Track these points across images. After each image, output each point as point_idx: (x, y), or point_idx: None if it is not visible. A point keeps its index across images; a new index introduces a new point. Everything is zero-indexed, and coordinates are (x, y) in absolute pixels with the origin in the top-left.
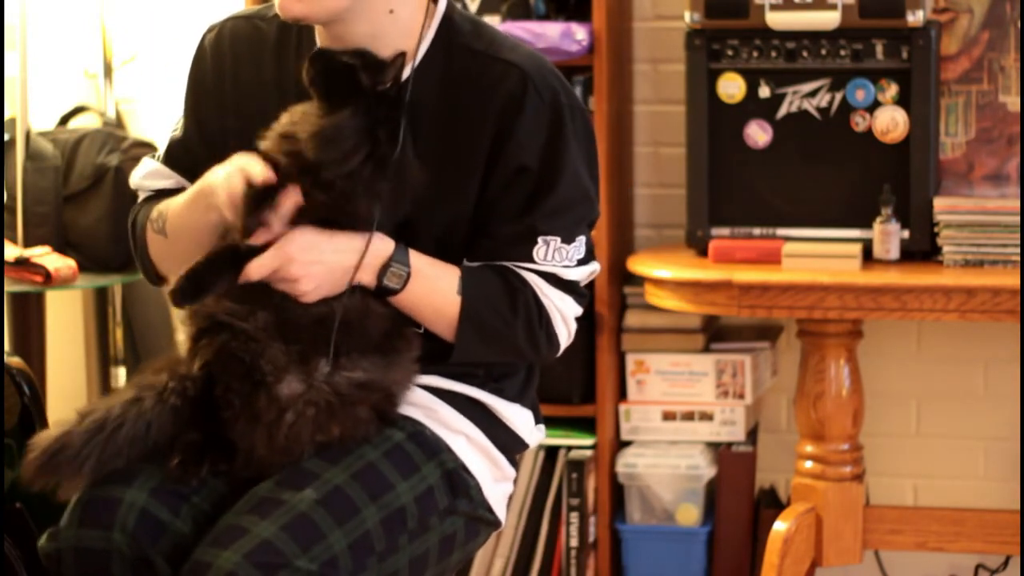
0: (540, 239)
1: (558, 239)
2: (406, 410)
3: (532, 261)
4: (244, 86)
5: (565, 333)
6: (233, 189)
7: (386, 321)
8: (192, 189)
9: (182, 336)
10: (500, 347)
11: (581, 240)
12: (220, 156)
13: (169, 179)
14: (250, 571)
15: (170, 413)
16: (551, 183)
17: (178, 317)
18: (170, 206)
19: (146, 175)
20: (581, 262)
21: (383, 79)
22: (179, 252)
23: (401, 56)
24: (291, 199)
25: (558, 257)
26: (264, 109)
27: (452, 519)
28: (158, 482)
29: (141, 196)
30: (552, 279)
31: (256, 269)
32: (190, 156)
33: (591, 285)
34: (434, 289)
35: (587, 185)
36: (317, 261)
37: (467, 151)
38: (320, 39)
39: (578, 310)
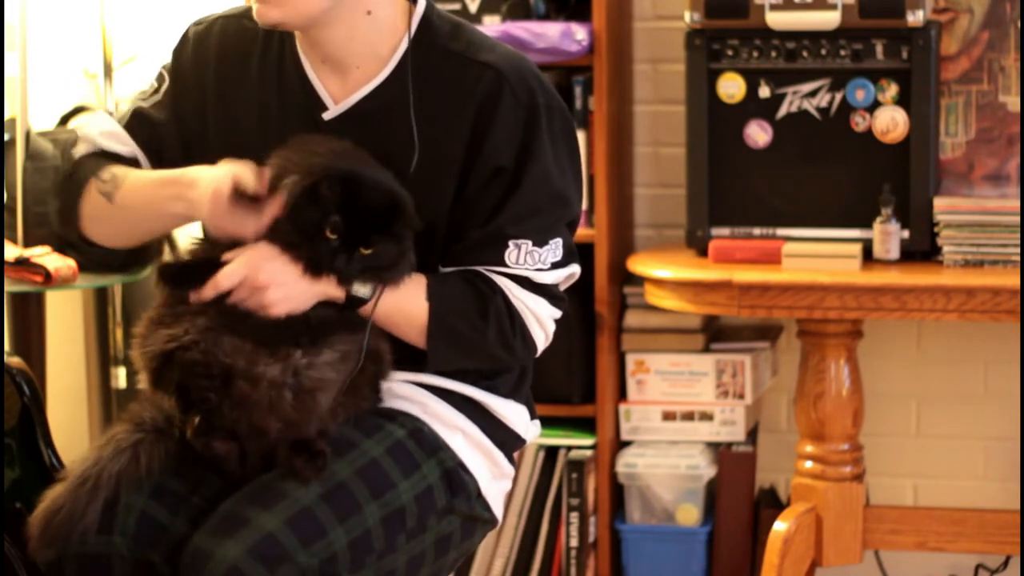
0: (511, 243)
1: (529, 242)
2: (402, 405)
3: (504, 265)
4: (228, 82)
5: (542, 335)
6: (221, 188)
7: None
8: (165, 172)
9: (143, 384)
10: (473, 354)
11: (557, 243)
12: (198, 148)
13: (126, 146)
14: (252, 564)
15: (153, 433)
16: (520, 185)
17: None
18: (129, 175)
19: (103, 133)
20: (557, 265)
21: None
22: (119, 223)
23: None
24: (272, 211)
25: (530, 260)
26: (247, 105)
27: (449, 518)
28: (156, 484)
29: (84, 146)
30: (524, 282)
31: (226, 277)
32: (156, 135)
33: (590, 285)
34: (403, 299)
35: (560, 186)
36: (284, 270)
37: (444, 153)
38: (300, 44)
39: (555, 312)
